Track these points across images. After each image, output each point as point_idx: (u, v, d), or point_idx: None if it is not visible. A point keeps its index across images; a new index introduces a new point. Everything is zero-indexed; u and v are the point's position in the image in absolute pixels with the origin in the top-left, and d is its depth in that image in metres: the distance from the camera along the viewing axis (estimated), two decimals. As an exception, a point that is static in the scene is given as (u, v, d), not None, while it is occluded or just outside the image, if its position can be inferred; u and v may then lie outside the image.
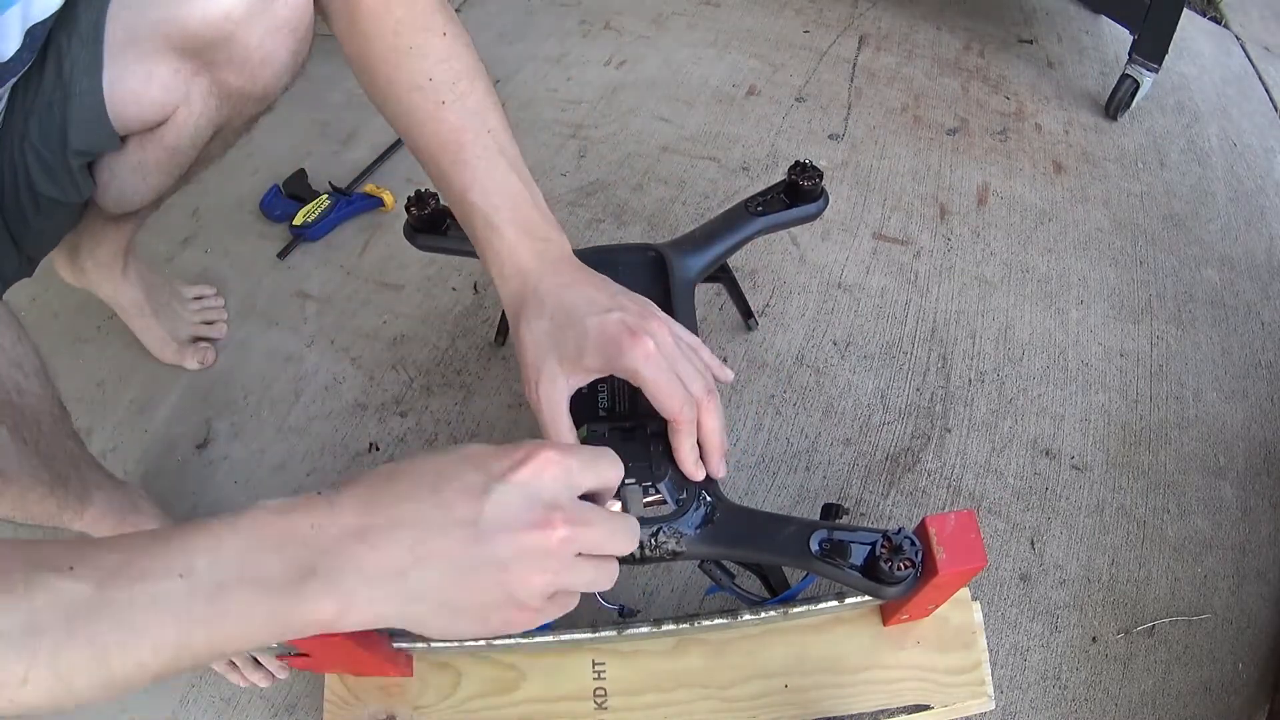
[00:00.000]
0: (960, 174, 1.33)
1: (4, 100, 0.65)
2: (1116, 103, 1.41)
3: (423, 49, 0.65)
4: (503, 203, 0.64)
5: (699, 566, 0.72)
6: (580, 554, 0.45)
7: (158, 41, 0.66)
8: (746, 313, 1.08)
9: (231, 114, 0.75)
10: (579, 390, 0.69)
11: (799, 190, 0.88)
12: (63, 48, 0.64)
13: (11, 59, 0.60)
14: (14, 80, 0.63)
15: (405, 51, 0.65)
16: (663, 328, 0.63)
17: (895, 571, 0.60)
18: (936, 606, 0.71)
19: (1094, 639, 0.87)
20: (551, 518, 0.44)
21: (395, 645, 0.69)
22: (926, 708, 0.72)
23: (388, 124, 0.69)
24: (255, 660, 0.81)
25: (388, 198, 1.23)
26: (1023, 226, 1.26)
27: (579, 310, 0.62)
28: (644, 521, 0.65)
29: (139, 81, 0.67)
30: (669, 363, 0.61)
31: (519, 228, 0.64)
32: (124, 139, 0.71)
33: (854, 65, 1.52)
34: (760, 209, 0.88)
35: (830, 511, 0.74)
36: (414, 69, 0.65)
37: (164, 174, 0.76)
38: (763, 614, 0.69)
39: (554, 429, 0.63)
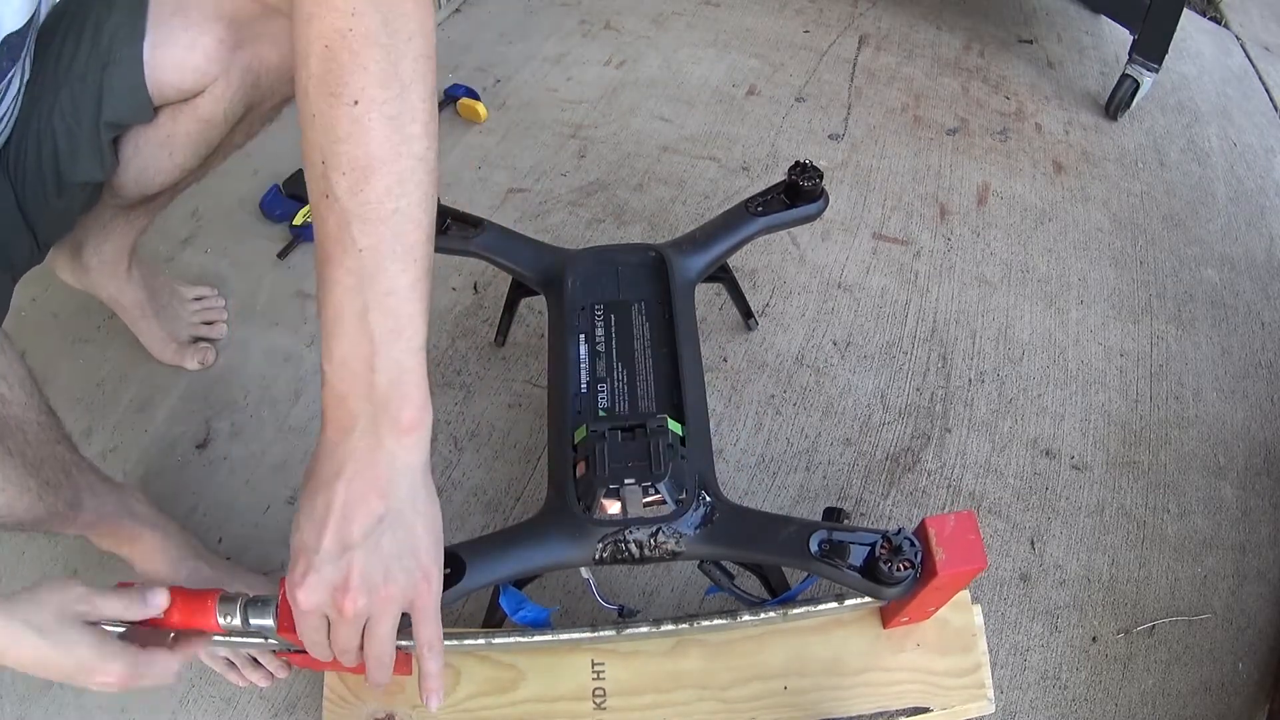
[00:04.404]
0: (960, 174, 1.33)
1: (18, 80, 0.64)
2: (1116, 103, 1.40)
3: (325, 121, 0.51)
4: (332, 369, 0.52)
5: (699, 567, 0.72)
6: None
7: (207, 9, 0.68)
8: (746, 313, 1.08)
9: (264, 94, 0.77)
10: (578, 390, 0.67)
11: (799, 190, 0.88)
12: (101, 19, 0.67)
13: (21, 28, 0.60)
14: (26, 55, 0.64)
15: (309, 118, 0.52)
16: (359, 597, 0.52)
17: (894, 572, 0.60)
18: (937, 609, 0.71)
19: (1094, 639, 0.87)
20: None
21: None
22: (926, 710, 0.72)
23: None
24: (255, 660, 0.81)
25: (388, 198, 1.22)
26: (1023, 226, 1.26)
27: (309, 522, 0.53)
28: (644, 521, 0.65)
29: (182, 49, 0.69)
30: (331, 619, 0.54)
31: (336, 402, 0.53)
32: (156, 111, 0.73)
33: (854, 65, 1.52)
34: (760, 209, 0.89)
35: (832, 515, 0.74)
36: (311, 141, 0.52)
37: (190, 151, 0.77)
38: (762, 615, 0.69)
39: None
